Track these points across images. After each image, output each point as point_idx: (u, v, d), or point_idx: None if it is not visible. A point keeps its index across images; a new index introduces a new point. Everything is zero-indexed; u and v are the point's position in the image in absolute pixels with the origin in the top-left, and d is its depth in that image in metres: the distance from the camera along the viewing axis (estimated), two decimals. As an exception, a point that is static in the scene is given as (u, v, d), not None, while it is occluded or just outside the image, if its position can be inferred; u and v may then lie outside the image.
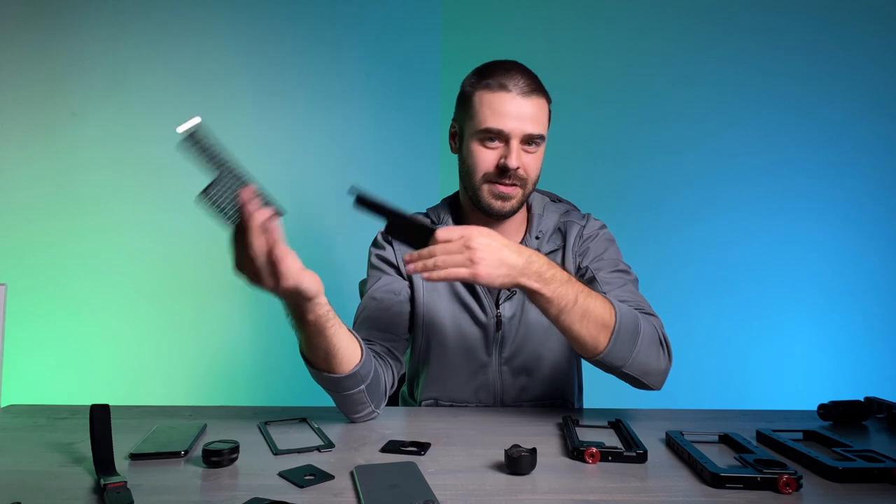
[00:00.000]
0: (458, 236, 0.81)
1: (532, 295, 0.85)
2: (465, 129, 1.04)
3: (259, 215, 0.70)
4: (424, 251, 0.82)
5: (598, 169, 1.95)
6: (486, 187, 1.01)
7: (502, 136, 0.98)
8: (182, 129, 0.70)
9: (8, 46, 1.47)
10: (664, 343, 0.93)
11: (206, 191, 0.72)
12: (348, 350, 0.86)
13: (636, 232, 1.68)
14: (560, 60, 1.94)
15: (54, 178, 1.52)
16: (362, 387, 0.89)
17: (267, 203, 0.73)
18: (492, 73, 1.00)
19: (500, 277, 0.82)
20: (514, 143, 0.98)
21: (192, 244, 1.66)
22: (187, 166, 1.90)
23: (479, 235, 0.82)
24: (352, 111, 1.93)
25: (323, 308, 0.81)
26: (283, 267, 0.72)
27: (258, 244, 0.71)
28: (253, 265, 0.72)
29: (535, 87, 1.00)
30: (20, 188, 1.49)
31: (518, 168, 0.99)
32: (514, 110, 0.97)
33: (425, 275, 0.81)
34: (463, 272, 0.80)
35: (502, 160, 0.98)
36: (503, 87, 0.98)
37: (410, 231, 0.84)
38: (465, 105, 1.04)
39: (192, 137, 0.70)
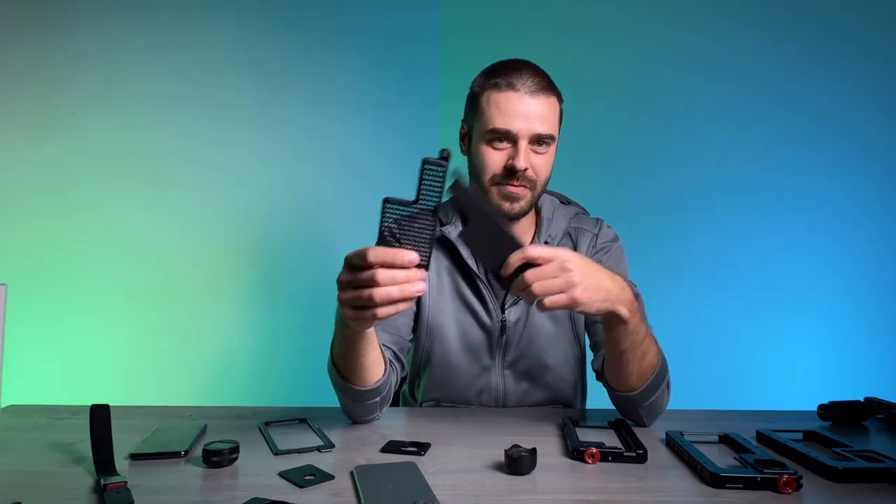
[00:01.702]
0: (549, 256, 0.75)
1: (618, 324, 0.82)
2: (473, 130, 1.02)
3: (416, 290, 0.67)
4: (517, 278, 0.75)
5: (599, 170, 1.95)
6: (494, 189, 0.99)
7: (510, 137, 0.97)
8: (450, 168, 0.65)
9: (7, 46, 1.47)
10: (669, 387, 0.93)
11: (392, 200, 0.67)
12: (375, 367, 0.87)
13: (637, 232, 1.68)
14: (560, 64, 1.93)
15: (54, 177, 1.52)
16: (378, 399, 0.90)
17: (425, 254, 0.68)
18: (500, 73, 0.98)
19: (599, 302, 0.78)
20: (523, 144, 0.96)
21: (194, 244, 1.66)
22: (188, 167, 1.89)
23: (572, 256, 0.77)
24: (352, 114, 1.92)
25: (367, 337, 0.81)
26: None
27: (397, 309, 0.68)
28: (362, 310, 0.69)
29: (545, 85, 0.98)
30: (20, 188, 1.49)
31: (527, 169, 0.97)
32: (522, 110, 0.95)
33: (531, 301, 0.76)
34: (562, 299, 0.75)
35: (510, 161, 0.96)
36: (511, 87, 0.96)
37: (493, 240, 0.75)
38: (473, 105, 1.02)
39: (439, 165, 0.65)
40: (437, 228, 0.68)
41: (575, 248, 1.08)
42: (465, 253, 1.05)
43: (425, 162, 0.66)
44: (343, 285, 0.70)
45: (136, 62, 1.59)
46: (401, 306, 0.68)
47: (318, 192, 1.87)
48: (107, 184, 1.56)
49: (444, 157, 0.66)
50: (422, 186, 0.66)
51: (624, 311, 0.80)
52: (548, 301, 0.75)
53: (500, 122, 0.96)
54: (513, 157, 0.97)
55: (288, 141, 1.81)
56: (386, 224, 0.67)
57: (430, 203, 0.67)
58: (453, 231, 1.06)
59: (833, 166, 1.82)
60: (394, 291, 0.67)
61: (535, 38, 2.00)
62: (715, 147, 1.89)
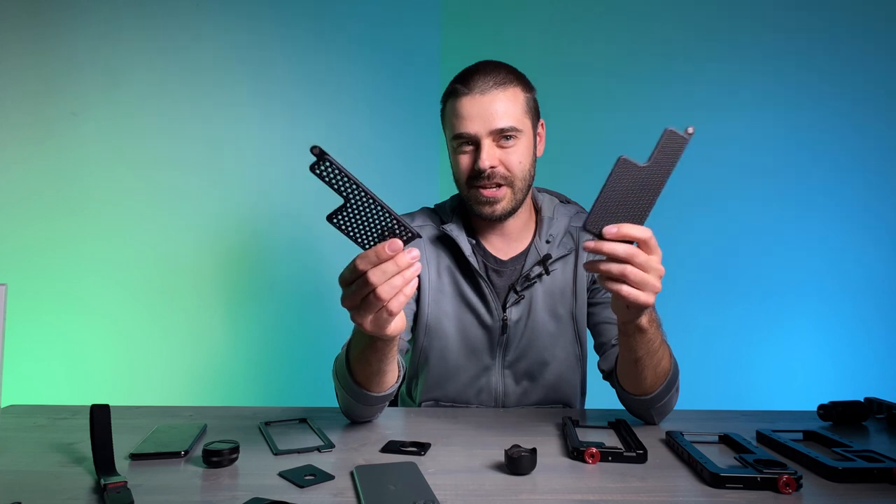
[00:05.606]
0: (655, 246, 0.71)
1: (636, 332, 0.81)
2: (447, 142, 1.05)
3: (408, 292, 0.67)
4: (620, 248, 0.69)
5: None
6: (472, 193, 1.01)
7: (472, 140, 0.98)
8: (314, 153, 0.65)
9: (6, 46, 1.46)
10: (678, 387, 0.93)
11: (333, 215, 0.67)
12: (392, 374, 0.87)
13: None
14: (560, 54, 1.94)
15: (54, 177, 1.51)
16: (385, 403, 0.91)
17: (402, 230, 0.67)
18: (457, 80, 1.00)
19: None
20: (485, 143, 0.97)
21: (193, 244, 1.66)
22: (188, 167, 1.89)
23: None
24: (351, 110, 1.93)
25: (392, 344, 0.81)
26: (395, 325, 0.71)
27: (406, 295, 0.67)
28: (366, 313, 0.68)
29: (500, 80, 0.98)
30: (20, 188, 1.49)
31: (494, 167, 0.97)
32: (476, 110, 0.96)
33: (612, 286, 0.71)
34: (642, 297, 0.70)
35: (476, 164, 0.98)
36: (464, 91, 0.97)
37: (637, 194, 0.70)
38: (442, 119, 1.05)
39: (320, 165, 0.65)
40: (377, 200, 0.66)
41: (576, 248, 1.08)
42: (467, 251, 1.05)
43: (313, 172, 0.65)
44: (350, 305, 0.70)
45: (137, 62, 1.59)
46: (408, 290, 0.68)
47: (318, 192, 1.86)
48: (107, 184, 1.56)
49: (318, 161, 0.65)
50: (333, 188, 0.66)
51: (644, 320, 0.80)
52: (630, 292, 0.70)
53: (458, 127, 0.98)
54: (477, 158, 0.98)
55: (285, 136, 1.81)
56: (349, 234, 0.68)
57: (348, 195, 0.66)
58: (455, 230, 1.07)
59: (831, 167, 1.82)
60: (396, 280, 0.66)
61: (536, 25, 2.00)
62: (714, 146, 1.89)
